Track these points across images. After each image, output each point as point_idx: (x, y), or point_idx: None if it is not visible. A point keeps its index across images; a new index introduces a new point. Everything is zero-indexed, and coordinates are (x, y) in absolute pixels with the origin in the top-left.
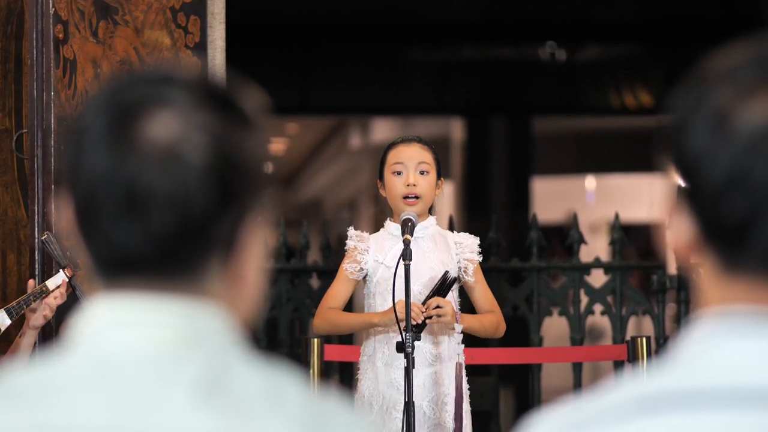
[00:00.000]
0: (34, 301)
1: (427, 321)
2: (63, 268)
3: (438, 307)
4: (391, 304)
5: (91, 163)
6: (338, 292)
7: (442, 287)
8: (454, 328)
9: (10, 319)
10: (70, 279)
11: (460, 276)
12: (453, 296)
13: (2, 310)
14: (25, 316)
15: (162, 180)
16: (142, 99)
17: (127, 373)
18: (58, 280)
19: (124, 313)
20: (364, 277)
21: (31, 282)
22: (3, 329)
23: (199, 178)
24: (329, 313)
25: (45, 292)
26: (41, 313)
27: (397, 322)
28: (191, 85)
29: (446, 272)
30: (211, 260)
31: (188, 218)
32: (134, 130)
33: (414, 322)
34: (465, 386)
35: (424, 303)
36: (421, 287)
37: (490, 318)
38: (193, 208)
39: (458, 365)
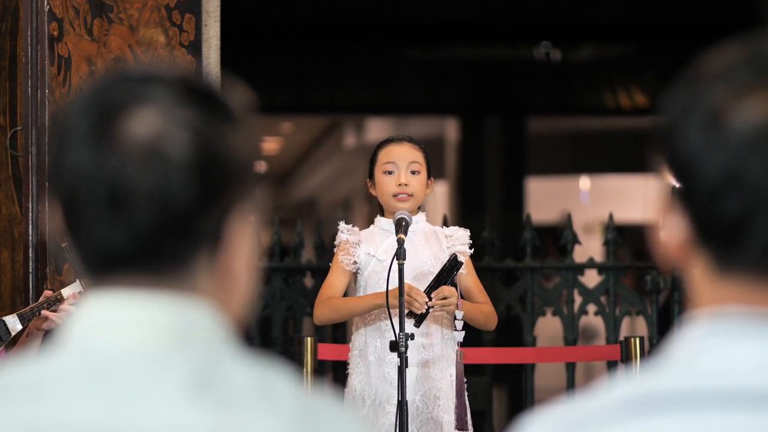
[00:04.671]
0: (48, 308)
1: (431, 311)
2: (80, 278)
3: (444, 298)
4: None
5: (73, 162)
6: (336, 282)
7: (448, 271)
8: (456, 316)
9: (22, 324)
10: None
11: None
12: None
13: (15, 315)
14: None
15: (143, 176)
16: (123, 98)
17: (117, 371)
18: (73, 288)
19: (113, 311)
20: (357, 271)
21: (47, 293)
22: (14, 334)
23: (181, 173)
24: (331, 300)
25: (59, 300)
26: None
27: (389, 312)
28: (173, 83)
29: (454, 254)
30: (198, 256)
31: (171, 214)
32: (115, 128)
33: (418, 312)
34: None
35: (428, 291)
36: (412, 282)
37: (487, 308)
38: (175, 204)
39: (458, 352)
